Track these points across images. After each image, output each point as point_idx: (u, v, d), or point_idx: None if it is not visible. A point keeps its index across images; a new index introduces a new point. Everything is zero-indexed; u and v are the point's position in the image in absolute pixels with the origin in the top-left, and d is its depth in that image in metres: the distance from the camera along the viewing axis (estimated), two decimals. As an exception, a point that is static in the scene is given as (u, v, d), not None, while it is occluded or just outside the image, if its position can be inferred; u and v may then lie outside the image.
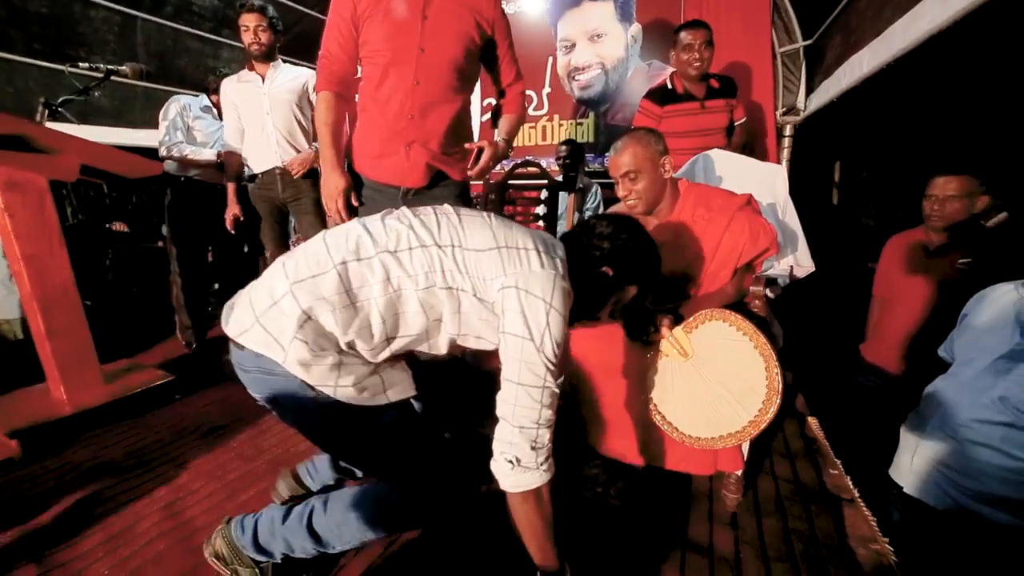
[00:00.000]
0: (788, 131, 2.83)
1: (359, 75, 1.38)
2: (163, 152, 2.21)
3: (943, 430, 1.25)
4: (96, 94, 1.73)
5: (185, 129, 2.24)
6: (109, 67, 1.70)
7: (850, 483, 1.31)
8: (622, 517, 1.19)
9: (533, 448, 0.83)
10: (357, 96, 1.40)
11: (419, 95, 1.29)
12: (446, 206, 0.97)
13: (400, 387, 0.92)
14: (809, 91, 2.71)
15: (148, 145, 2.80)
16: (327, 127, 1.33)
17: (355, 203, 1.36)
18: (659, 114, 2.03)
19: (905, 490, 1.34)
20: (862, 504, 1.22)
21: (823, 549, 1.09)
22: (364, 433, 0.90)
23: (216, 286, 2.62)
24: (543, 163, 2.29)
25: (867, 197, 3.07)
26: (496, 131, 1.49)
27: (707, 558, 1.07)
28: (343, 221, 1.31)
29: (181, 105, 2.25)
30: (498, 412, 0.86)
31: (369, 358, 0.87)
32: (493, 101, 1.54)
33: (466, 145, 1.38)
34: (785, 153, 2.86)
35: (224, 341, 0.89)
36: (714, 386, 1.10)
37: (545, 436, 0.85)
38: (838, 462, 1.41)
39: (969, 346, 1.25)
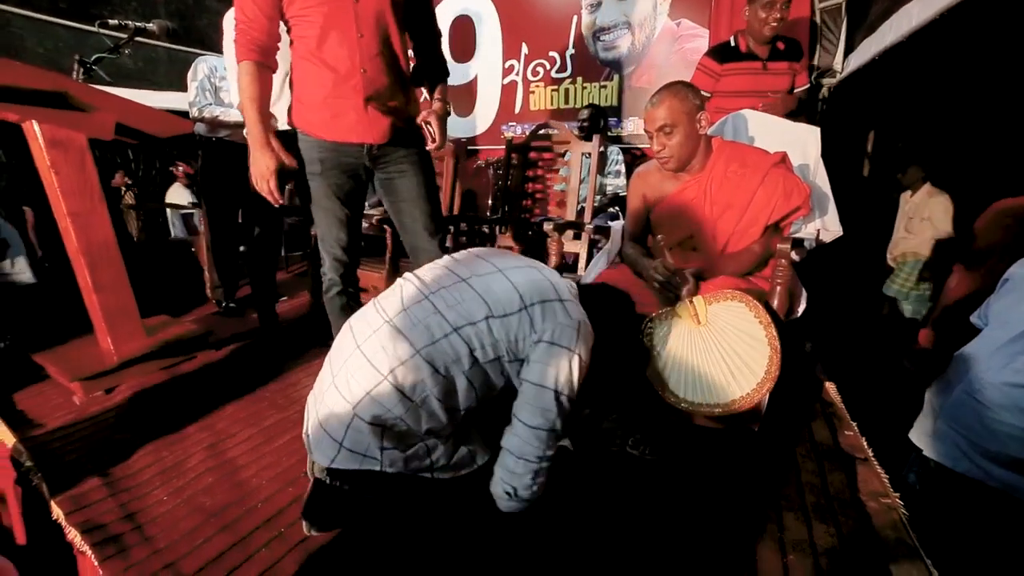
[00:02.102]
0: (822, 94, 2.71)
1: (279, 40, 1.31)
2: (194, 113, 2.22)
3: (969, 392, 1.25)
4: (126, 52, 1.75)
5: (213, 91, 2.24)
6: (137, 24, 1.71)
7: (865, 444, 1.33)
8: (638, 469, 1.24)
9: (533, 479, 0.91)
10: (289, 60, 1.34)
11: (365, 47, 1.26)
12: (460, 267, 1.00)
13: (483, 452, 1.01)
14: (849, 50, 2.57)
15: (172, 107, 2.84)
16: (254, 102, 1.25)
17: (288, 186, 1.30)
18: (718, 72, 1.97)
19: (924, 452, 1.36)
20: (875, 463, 1.25)
21: (834, 501, 1.12)
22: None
23: (242, 248, 2.69)
24: (566, 126, 2.26)
25: (901, 170, 2.95)
26: (433, 93, 1.44)
27: (719, 507, 1.11)
28: (275, 201, 1.30)
29: (209, 66, 2.24)
30: (503, 443, 0.93)
31: (449, 432, 0.96)
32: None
33: (417, 121, 1.38)
34: (817, 117, 2.75)
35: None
36: (715, 356, 1.13)
37: (545, 470, 0.92)
38: (854, 424, 1.43)
39: (1006, 310, 1.23)
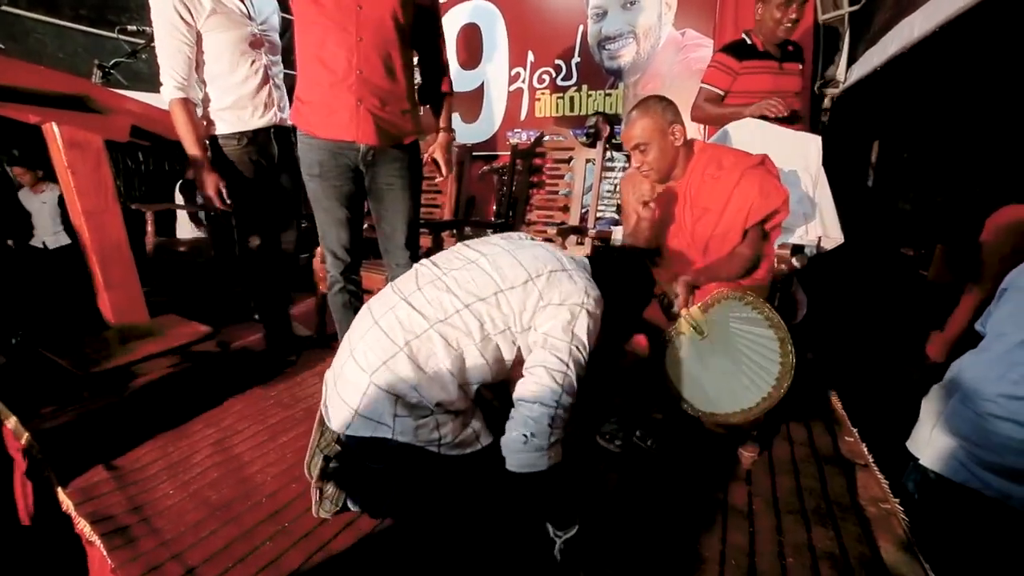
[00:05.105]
0: (825, 104, 2.73)
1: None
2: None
3: (966, 404, 1.25)
4: (142, 56, 1.79)
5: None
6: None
7: (865, 450, 1.34)
8: (639, 471, 1.25)
9: (550, 425, 0.88)
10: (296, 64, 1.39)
11: (363, 51, 1.32)
12: (470, 251, 1.05)
13: (487, 434, 1.03)
14: (851, 61, 2.60)
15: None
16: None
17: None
18: (737, 69, 1.89)
19: (921, 461, 1.36)
20: (875, 469, 1.25)
21: (834, 506, 1.13)
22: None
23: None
24: (570, 132, 2.29)
25: (906, 180, 2.95)
26: (437, 114, 1.51)
27: (720, 509, 1.12)
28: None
29: None
30: (516, 396, 0.92)
31: (459, 407, 0.98)
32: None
33: (425, 158, 1.45)
34: (820, 127, 2.77)
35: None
36: (727, 364, 1.11)
37: (562, 418, 0.90)
38: (854, 430, 1.43)
39: (1002, 321, 1.23)
